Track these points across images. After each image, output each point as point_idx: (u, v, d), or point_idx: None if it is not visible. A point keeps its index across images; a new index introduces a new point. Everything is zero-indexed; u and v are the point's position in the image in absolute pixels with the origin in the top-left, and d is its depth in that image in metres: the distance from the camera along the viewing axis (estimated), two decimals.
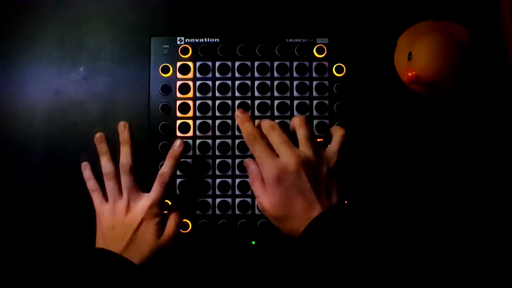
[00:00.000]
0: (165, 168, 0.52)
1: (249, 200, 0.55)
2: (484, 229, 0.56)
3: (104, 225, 0.51)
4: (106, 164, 0.53)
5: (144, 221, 0.50)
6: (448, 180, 0.56)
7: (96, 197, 0.53)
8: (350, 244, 0.44)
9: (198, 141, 0.56)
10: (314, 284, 0.44)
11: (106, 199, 0.53)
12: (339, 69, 0.57)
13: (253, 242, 0.55)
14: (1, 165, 0.56)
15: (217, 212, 0.55)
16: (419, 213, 0.56)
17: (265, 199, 0.48)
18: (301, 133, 0.49)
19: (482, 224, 0.56)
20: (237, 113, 0.51)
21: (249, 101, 0.56)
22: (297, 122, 0.50)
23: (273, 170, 0.47)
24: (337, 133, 0.51)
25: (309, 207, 0.46)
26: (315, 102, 0.56)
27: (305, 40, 0.57)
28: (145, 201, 0.51)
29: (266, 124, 0.50)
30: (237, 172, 0.55)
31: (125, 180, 0.52)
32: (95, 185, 0.53)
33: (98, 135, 0.54)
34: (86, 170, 0.54)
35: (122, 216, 0.51)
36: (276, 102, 0.56)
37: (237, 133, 0.56)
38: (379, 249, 0.45)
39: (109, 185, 0.52)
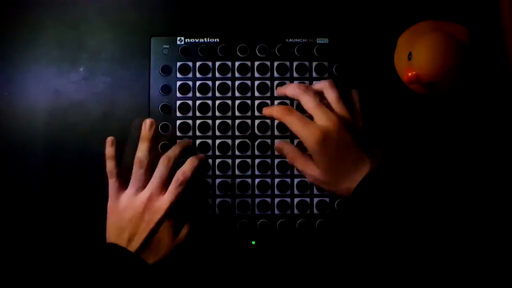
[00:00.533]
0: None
1: (249, 200, 0.55)
2: (483, 229, 0.56)
3: (119, 215, 0.50)
4: (143, 152, 0.51)
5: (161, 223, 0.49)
6: (448, 180, 0.56)
7: (114, 183, 0.51)
8: (407, 198, 0.46)
9: (198, 141, 0.56)
10: (371, 238, 0.46)
11: (123, 187, 0.51)
12: (339, 69, 0.57)
13: (253, 242, 0.55)
14: (1, 165, 0.56)
15: (217, 212, 0.55)
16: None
17: (313, 168, 0.49)
18: (331, 94, 0.50)
19: (481, 225, 0.56)
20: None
21: (249, 101, 0.56)
22: (326, 86, 0.51)
23: (316, 134, 0.47)
24: (353, 93, 0.53)
25: (359, 161, 0.48)
26: None
27: (305, 40, 0.57)
28: (164, 203, 0.50)
29: (296, 89, 0.51)
30: (237, 172, 0.55)
31: (161, 172, 0.50)
32: (115, 168, 0.51)
33: (149, 120, 0.52)
34: (110, 147, 0.52)
35: (140, 211, 0.49)
36: (276, 102, 0.56)
37: (237, 133, 0.56)
38: (433, 207, 0.47)
39: (138, 173, 0.51)
